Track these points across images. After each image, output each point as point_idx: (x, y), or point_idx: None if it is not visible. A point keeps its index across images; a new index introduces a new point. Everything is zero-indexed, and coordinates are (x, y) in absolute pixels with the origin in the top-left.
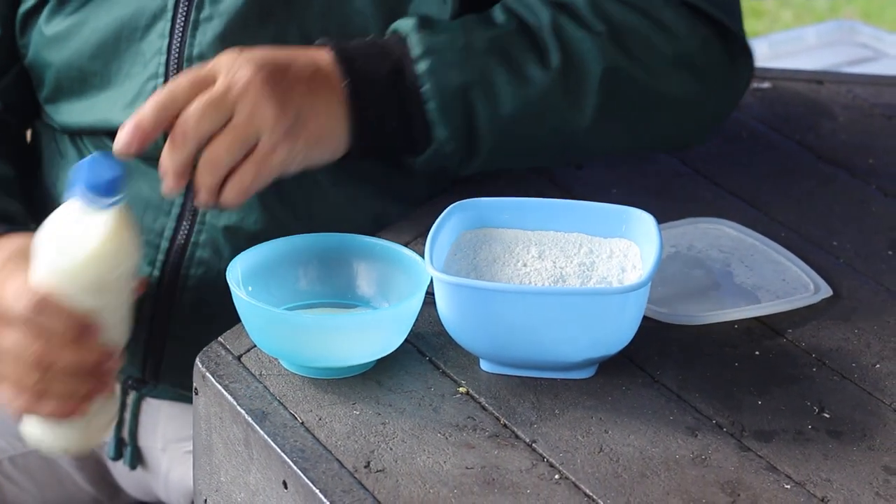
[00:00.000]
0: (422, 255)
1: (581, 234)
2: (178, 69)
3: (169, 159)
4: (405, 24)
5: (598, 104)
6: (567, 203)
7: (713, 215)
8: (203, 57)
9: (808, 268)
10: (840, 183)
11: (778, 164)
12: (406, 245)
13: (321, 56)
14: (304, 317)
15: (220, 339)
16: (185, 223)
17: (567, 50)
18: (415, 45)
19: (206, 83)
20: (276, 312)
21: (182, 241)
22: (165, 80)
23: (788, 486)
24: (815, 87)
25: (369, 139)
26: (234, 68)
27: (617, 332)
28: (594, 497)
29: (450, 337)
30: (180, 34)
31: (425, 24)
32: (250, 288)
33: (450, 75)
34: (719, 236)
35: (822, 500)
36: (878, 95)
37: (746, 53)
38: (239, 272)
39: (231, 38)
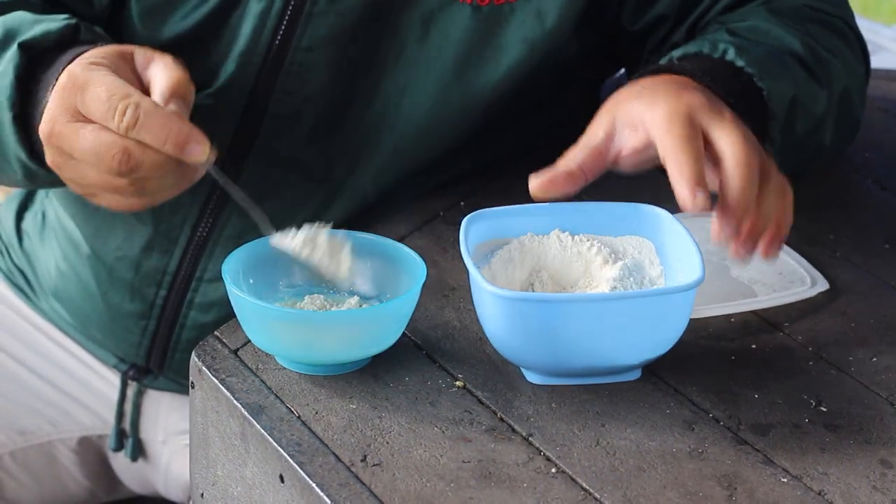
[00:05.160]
0: (417, 249)
1: (592, 234)
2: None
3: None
4: (710, 45)
5: (836, 123)
6: (575, 205)
7: (710, 209)
8: (313, 51)
9: (804, 261)
10: (837, 176)
11: None
12: (401, 240)
13: (695, 85)
14: (300, 312)
15: (216, 332)
16: (207, 218)
17: (823, 70)
18: (748, 66)
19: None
20: (272, 308)
21: (203, 235)
22: (262, 64)
23: (785, 480)
24: None
25: None
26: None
27: (677, 330)
28: (591, 490)
29: (447, 330)
30: (286, 22)
31: (735, 44)
32: (252, 280)
33: (783, 91)
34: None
35: (819, 494)
36: (875, 89)
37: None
38: (237, 267)
39: (342, 37)
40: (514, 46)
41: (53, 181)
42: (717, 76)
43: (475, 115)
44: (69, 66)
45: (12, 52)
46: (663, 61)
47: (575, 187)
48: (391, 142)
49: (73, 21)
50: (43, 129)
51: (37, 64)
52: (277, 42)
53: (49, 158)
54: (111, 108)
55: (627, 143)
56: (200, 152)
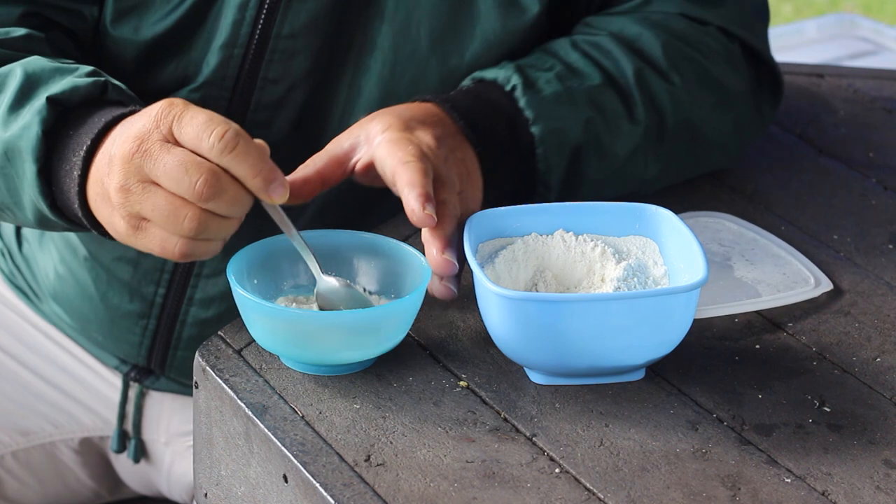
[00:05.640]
0: (421, 249)
1: (595, 234)
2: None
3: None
4: (505, 76)
5: (668, 153)
6: (579, 205)
7: (713, 209)
8: (294, 38)
9: (808, 261)
10: (840, 176)
11: (778, 157)
12: (405, 240)
13: (441, 117)
14: (304, 313)
15: (220, 332)
16: None
17: (650, 104)
18: (526, 108)
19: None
20: (276, 308)
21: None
22: (246, 52)
23: (789, 480)
24: (815, 80)
25: (487, 193)
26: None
27: (681, 330)
28: (594, 491)
29: (451, 330)
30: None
31: (527, 79)
32: (256, 281)
33: (562, 138)
34: (719, 230)
35: (823, 494)
36: (879, 89)
37: (779, 83)
38: (241, 267)
39: (322, 20)
40: (489, 14)
41: (67, 228)
42: (484, 116)
43: (455, 80)
44: (169, 98)
45: (40, 104)
46: (464, 83)
47: (311, 193)
48: None
49: (102, 78)
50: (126, 147)
51: (64, 119)
52: (258, 32)
53: (119, 180)
54: (209, 129)
55: (361, 160)
56: (282, 194)
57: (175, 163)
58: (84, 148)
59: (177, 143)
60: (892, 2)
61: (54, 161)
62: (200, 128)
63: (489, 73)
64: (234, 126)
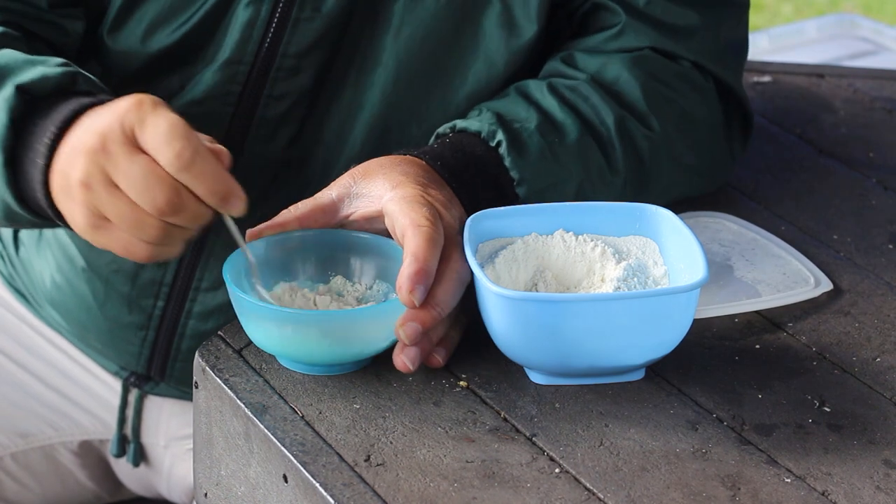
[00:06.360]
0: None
1: (595, 234)
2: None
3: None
4: (489, 130)
5: (644, 198)
6: (579, 205)
7: (713, 209)
8: (300, 56)
9: (808, 262)
10: (840, 176)
11: (778, 157)
12: None
13: (436, 178)
14: (301, 312)
15: (220, 332)
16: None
17: (631, 153)
18: (512, 168)
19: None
20: (272, 308)
21: (198, 244)
22: (250, 70)
23: (789, 480)
24: (815, 80)
25: None
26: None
27: (681, 330)
28: (594, 491)
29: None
30: (274, 27)
31: (511, 134)
32: (252, 281)
33: (547, 198)
34: (719, 230)
35: (823, 494)
36: (879, 89)
37: (749, 119)
38: (238, 268)
39: (329, 38)
40: (492, 33)
41: (35, 223)
42: (471, 174)
43: (458, 99)
44: (138, 94)
45: (9, 92)
46: (443, 130)
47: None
48: (373, 138)
49: (72, 69)
50: (89, 141)
51: (32, 108)
52: (265, 49)
53: (81, 175)
54: (168, 143)
55: (360, 210)
56: (240, 208)
57: (138, 174)
58: (49, 136)
59: (139, 148)
60: (892, 2)
61: (20, 151)
62: (160, 140)
63: (472, 125)
64: (194, 142)
